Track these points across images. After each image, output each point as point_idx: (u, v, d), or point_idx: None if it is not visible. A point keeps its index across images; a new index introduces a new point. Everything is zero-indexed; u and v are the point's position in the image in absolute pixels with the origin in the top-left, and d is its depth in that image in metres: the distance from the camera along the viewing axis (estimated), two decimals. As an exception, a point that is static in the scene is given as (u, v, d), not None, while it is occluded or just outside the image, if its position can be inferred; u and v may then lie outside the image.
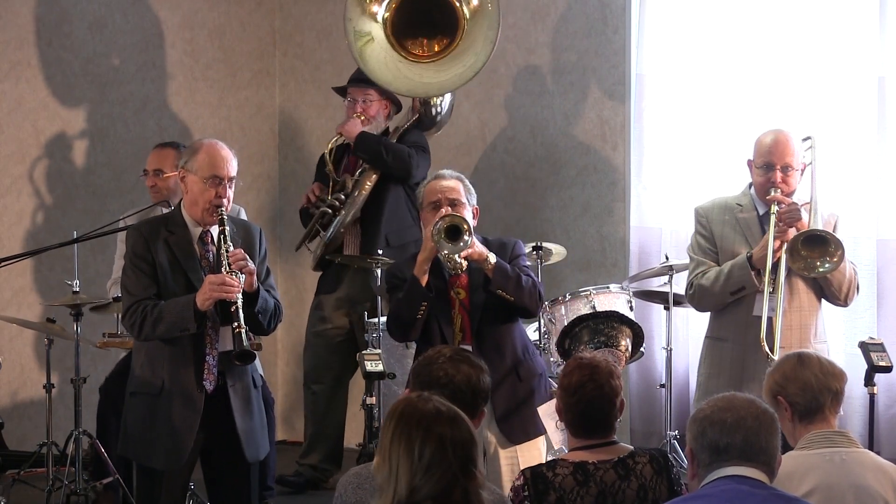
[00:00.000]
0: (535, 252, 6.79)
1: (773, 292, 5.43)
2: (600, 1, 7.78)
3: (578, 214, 7.87)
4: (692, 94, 7.49)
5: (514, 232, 7.54)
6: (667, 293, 6.72)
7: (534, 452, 5.08)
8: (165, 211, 6.10)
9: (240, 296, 4.78)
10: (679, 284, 6.80)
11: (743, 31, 7.38)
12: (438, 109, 7.34)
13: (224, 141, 5.07)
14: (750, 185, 5.66)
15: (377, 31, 7.07)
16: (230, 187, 4.92)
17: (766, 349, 5.33)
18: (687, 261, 6.36)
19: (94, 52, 7.87)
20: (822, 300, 5.61)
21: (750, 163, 5.63)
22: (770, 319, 5.41)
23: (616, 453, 3.90)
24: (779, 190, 5.50)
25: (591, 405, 3.90)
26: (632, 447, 3.95)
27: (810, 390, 3.88)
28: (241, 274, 4.80)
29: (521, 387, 5.15)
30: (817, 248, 5.39)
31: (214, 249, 4.91)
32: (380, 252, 6.71)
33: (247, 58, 8.57)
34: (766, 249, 5.41)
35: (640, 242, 7.63)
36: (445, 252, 5.06)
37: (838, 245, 5.36)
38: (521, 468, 4.16)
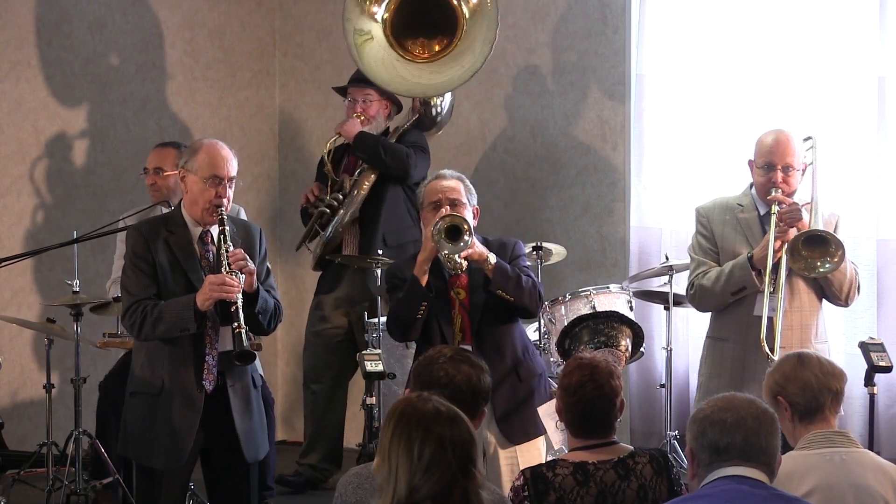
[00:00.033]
0: (535, 252, 6.79)
1: (774, 292, 5.43)
2: (600, 1, 7.78)
3: (578, 214, 7.87)
4: (692, 94, 7.49)
5: (514, 232, 7.54)
6: (667, 293, 6.72)
7: (533, 452, 5.08)
8: (165, 211, 6.10)
9: (240, 296, 4.78)
10: (679, 284, 6.80)
11: (743, 31, 7.38)
12: (438, 110, 7.34)
13: (224, 141, 5.07)
14: (751, 185, 5.66)
15: (376, 30, 7.08)
16: (230, 187, 4.92)
17: (766, 349, 5.33)
18: (687, 261, 6.37)
19: (94, 52, 7.87)
20: (823, 300, 5.61)
21: (751, 163, 5.63)
22: (770, 320, 5.41)
23: (616, 453, 3.89)
24: (780, 190, 5.50)
25: (591, 405, 3.90)
26: (632, 447, 3.95)
27: (810, 390, 3.88)
28: (241, 274, 4.80)
29: (521, 387, 5.15)
30: (818, 248, 5.39)
31: (214, 249, 4.91)
32: (380, 252, 6.71)
33: (247, 58, 8.57)
34: (766, 250, 5.42)
35: (640, 242, 7.63)
36: (445, 252, 5.06)
37: (839, 245, 5.36)
38: (521, 468, 4.16)
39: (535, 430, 5.10)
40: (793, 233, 5.44)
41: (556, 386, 4.11)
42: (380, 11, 7.10)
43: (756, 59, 7.35)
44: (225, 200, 4.89)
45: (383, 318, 6.19)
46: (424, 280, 5.10)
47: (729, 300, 5.55)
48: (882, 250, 7.10)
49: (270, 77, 8.69)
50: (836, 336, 6.42)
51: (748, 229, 5.59)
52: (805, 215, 5.45)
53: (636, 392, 7.59)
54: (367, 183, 7.02)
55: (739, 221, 5.61)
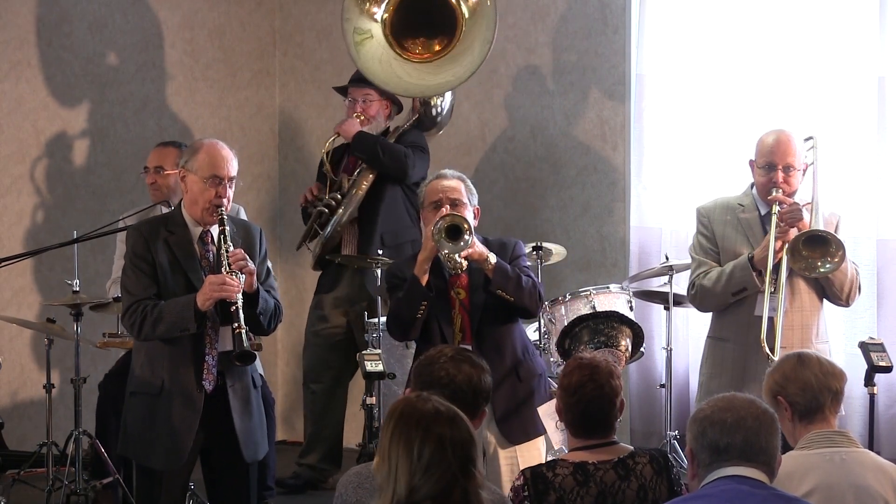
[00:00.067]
0: (535, 252, 6.79)
1: (775, 292, 5.43)
2: (600, 1, 7.78)
3: (578, 214, 7.87)
4: (692, 94, 7.49)
5: (514, 232, 7.54)
6: (667, 293, 6.72)
7: (533, 452, 5.08)
8: (165, 210, 6.10)
9: (240, 296, 4.78)
10: (679, 284, 6.80)
11: (743, 31, 7.38)
12: (439, 110, 7.34)
13: (224, 141, 5.07)
14: (752, 185, 5.66)
15: (376, 30, 7.08)
16: (230, 187, 4.92)
17: (767, 350, 5.33)
18: (687, 261, 6.38)
19: (94, 52, 7.87)
20: (824, 300, 5.61)
21: (752, 163, 5.63)
22: (771, 320, 5.41)
23: (616, 453, 3.89)
24: (780, 190, 5.50)
25: (591, 405, 3.89)
26: (632, 447, 3.94)
27: (810, 390, 3.88)
28: (242, 274, 4.80)
29: (521, 387, 5.15)
30: (818, 248, 5.39)
31: (214, 249, 4.91)
32: (380, 252, 6.72)
33: (247, 58, 8.57)
34: (767, 251, 5.42)
35: (640, 242, 7.63)
36: (446, 251, 5.06)
37: (839, 245, 5.36)
38: (521, 468, 4.16)
39: (534, 430, 5.10)
40: (793, 233, 5.44)
41: (556, 386, 4.11)
42: (379, 12, 7.10)
43: (756, 59, 7.35)
44: (225, 200, 4.89)
45: (383, 319, 6.19)
46: (425, 279, 5.10)
47: (730, 301, 5.55)
48: (882, 250, 7.11)
49: (270, 77, 8.69)
50: (836, 336, 6.42)
51: (749, 229, 5.59)
52: (806, 215, 5.46)
53: (636, 392, 7.59)
54: (365, 183, 7.03)
55: (740, 221, 5.61)
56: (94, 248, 7.39)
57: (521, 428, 5.10)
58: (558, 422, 4.07)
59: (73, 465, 6.25)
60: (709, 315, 5.80)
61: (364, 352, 5.88)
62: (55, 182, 7.73)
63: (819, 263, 5.39)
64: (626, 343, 6.30)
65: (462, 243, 5.04)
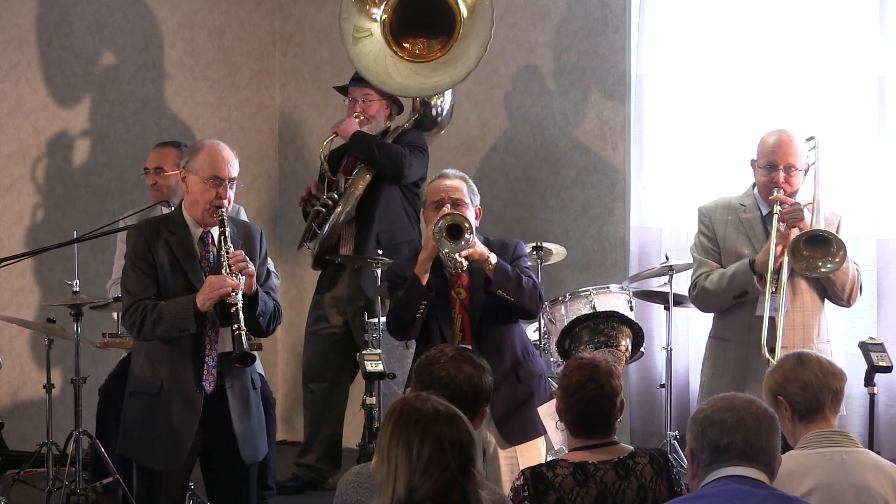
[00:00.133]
0: (535, 252, 6.79)
1: (776, 292, 5.43)
2: (600, 1, 7.78)
3: (578, 214, 7.87)
4: (692, 94, 7.50)
5: (514, 232, 7.54)
6: (667, 293, 6.72)
7: (533, 453, 5.08)
8: (165, 211, 6.10)
9: (240, 297, 4.78)
10: (679, 284, 6.81)
11: (743, 31, 7.38)
12: (438, 110, 7.34)
13: (224, 141, 5.07)
14: (753, 185, 5.66)
15: (375, 29, 7.09)
16: (231, 188, 4.92)
17: (767, 355, 5.30)
18: (687, 261, 6.38)
19: (94, 52, 7.87)
20: (825, 300, 5.61)
21: (753, 162, 5.63)
22: (772, 320, 5.40)
23: (616, 453, 3.89)
24: (782, 190, 5.50)
25: (591, 405, 3.89)
26: (632, 447, 3.94)
27: (810, 390, 3.88)
28: (241, 275, 4.80)
29: (521, 388, 5.14)
30: (819, 248, 5.39)
31: (215, 250, 4.91)
32: (380, 252, 6.72)
33: (247, 58, 8.57)
34: (768, 255, 5.41)
35: (640, 242, 7.64)
36: (446, 251, 5.06)
37: (840, 245, 5.36)
38: (521, 468, 4.16)
39: (534, 431, 5.09)
40: (794, 232, 5.44)
41: (556, 386, 4.11)
42: (378, 12, 7.11)
43: (756, 59, 7.35)
44: (225, 201, 4.89)
45: (384, 319, 6.19)
46: (425, 279, 5.10)
47: (731, 303, 5.56)
48: (882, 250, 7.11)
49: (270, 77, 8.69)
50: (836, 336, 6.42)
51: (750, 229, 5.59)
52: (807, 215, 5.45)
53: (636, 392, 7.59)
54: (361, 183, 7.03)
55: (742, 221, 5.61)
56: (94, 248, 7.39)
57: (520, 429, 5.09)
58: (558, 422, 4.06)
59: (73, 465, 6.25)
60: (709, 315, 5.80)
61: (364, 352, 5.88)
62: (55, 182, 7.74)
63: (820, 263, 5.39)
64: (626, 343, 6.30)
65: (463, 243, 5.04)
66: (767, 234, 5.50)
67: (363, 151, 7.00)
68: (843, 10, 7.18)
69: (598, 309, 6.33)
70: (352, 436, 7.66)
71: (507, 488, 4.34)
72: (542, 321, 6.50)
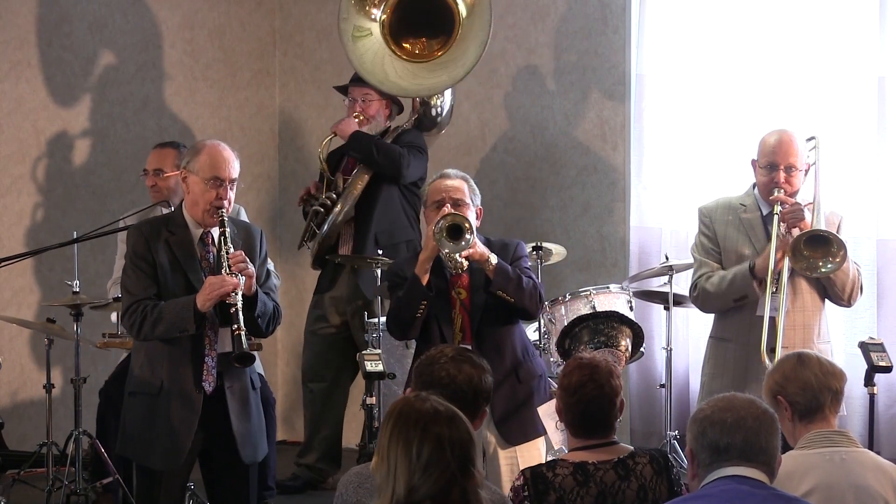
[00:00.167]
0: (535, 252, 6.79)
1: (777, 292, 5.43)
2: (600, 1, 7.78)
3: (578, 214, 7.87)
4: (692, 94, 7.50)
5: (515, 232, 7.54)
6: (667, 293, 6.72)
7: (533, 453, 5.08)
8: (165, 211, 6.10)
9: (239, 298, 4.78)
10: (679, 284, 6.81)
11: (743, 31, 7.38)
12: (438, 111, 7.34)
13: (224, 141, 5.06)
14: (753, 186, 5.66)
15: (375, 29, 7.10)
16: (231, 189, 4.92)
17: (766, 361, 5.29)
18: (687, 261, 6.39)
19: (94, 52, 7.87)
20: (826, 300, 5.61)
21: (754, 162, 5.63)
22: (772, 321, 5.40)
23: (616, 453, 3.89)
24: (782, 190, 5.50)
25: (591, 405, 3.89)
26: (632, 447, 3.94)
27: (810, 390, 3.88)
28: (241, 276, 4.80)
29: (521, 388, 5.14)
30: (820, 248, 5.38)
31: (215, 251, 4.91)
32: (380, 252, 6.73)
33: (247, 58, 8.57)
34: (768, 260, 5.41)
35: (640, 242, 7.64)
36: (446, 251, 5.06)
37: (840, 245, 5.36)
38: (521, 468, 4.16)
39: (534, 431, 5.09)
40: (795, 233, 5.44)
41: (556, 386, 4.11)
42: (377, 13, 7.12)
43: (756, 59, 7.35)
44: (226, 202, 4.88)
45: (383, 319, 6.20)
46: (425, 279, 5.10)
47: (731, 305, 5.56)
48: (882, 250, 7.11)
49: (270, 77, 8.69)
50: (836, 336, 6.43)
51: (751, 229, 5.59)
52: (808, 215, 5.46)
53: (636, 392, 7.59)
54: (360, 183, 7.03)
55: (742, 221, 5.61)
56: (94, 248, 7.39)
57: (520, 429, 5.09)
58: (558, 422, 4.06)
59: (73, 465, 6.25)
60: (709, 315, 5.80)
61: (364, 352, 5.88)
62: (55, 182, 7.73)
63: (820, 263, 5.39)
64: (626, 343, 6.30)
65: (463, 243, 5.04)
66: (768, 234, 5.50)
67: (361, 151, 7.00)
68: (843, 10, 7.18)
69: (598, 309, 6.33)
70: (352, 436, 7.66)
71: (507, 488, 4.34)
72: (542, 321, 6.50)
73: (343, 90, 7.33)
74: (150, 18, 8.10)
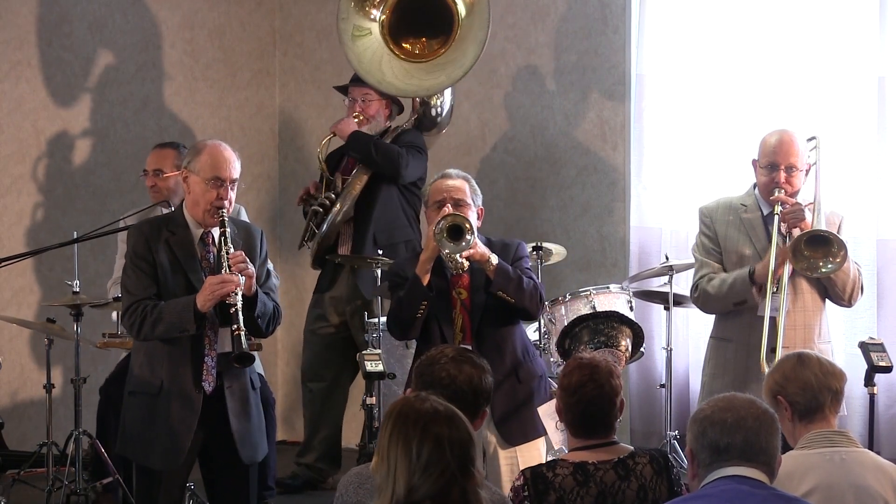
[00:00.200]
0: (535, 252, 6.79)
1: (777, 292, 5.43)
2: (600, 1, 7.79)
3: (578, 214, 7.87)
4: (692, 94, 7.50)
5: (515, 232, 7.54)
6: (667, 293, 6.72)
7: (533, 453, 5.07)
8: (165, 211, 6.10)
9: (239, 298, 4.78)
10: (679, 284, 6.81)
11: (743, 31, 7.38)
12: (438, 111, 7.34)
13: (224, 141, 5.06)
14: (754, 186, 5.66)
15: (374, 29, 7.10)
16: (232, 189, 4.92)
17: (765, 367, 5.27)
18: (687, 261, 6.39)
19: (94, 52, 7.87)
20: (826, 300, 5.61)
21: (754, 162, 5.63)
22: (773, 321, 5.40)
23: (616, 453, 3.89)
24: (783, 190, 5.50)
25: (591, 405, 3.89)
26: (632, 447, 3.94)
27: (810, 390, 3.88)
28: (241, 276, 4.80)
29: (521, 389, 5.13)
30: (820, 248, 5.38)
31: (215, 251, 4.91)
32: (380, 252, 6.73)
33: (247, 58, 8.57)
34: (768, 267, 5.41)
35: (640, 242, 7.64)
36: (447, 251, 5.06)
37: (841, 246, 5.36)
38: (521, 468, 4.16)
39: (534, 432, 5.08)
40: (796, 232, 5.44)
41: (556, 386, 4.11)
42: (377, 13, 7.12)
43: (756, 59, 7.35)
44: (226, 202, 4.88)
45: (384, 319, 6.20)
46: (426, 279, 5.09)
47: (730, 308, 5.56)
48: (882, 250, 7.11)
49: (270, 77, 8.69)
50: (836, 336, 6.43)
51: (752, 229, 5.59)
52: (808, 215, 5.46)
53: (636, 392, 7.59)
54: (359, 183, 7.03)
55: (743, 222, 5.61)
56: (94, 248, 7.39)
57: (520, 430, 5.08)
58: (558, 422, 4.06)
59: (73, 465, 6.25)
60: (709, 315, 5.80)
61: (364, 352, 5.88)
62: (55, 182, 7.74)
63: (821, 264, 5.39)
64: (626, 343, 6.30)
65: (463, 243, 5.04)
66: (769, 234, 5.50)
67: (360, 151, 7.01)
68: (843, 10, 7.18)
69: (598, 309, 6.33)
70: (352, 436, 7.66)
71: (507, 488, 4.34)
72: (542, 321, 6.50)
73: (343, 90, 7.33)
74: (150, 18, 8.10)
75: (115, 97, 7.95)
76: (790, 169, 5.52)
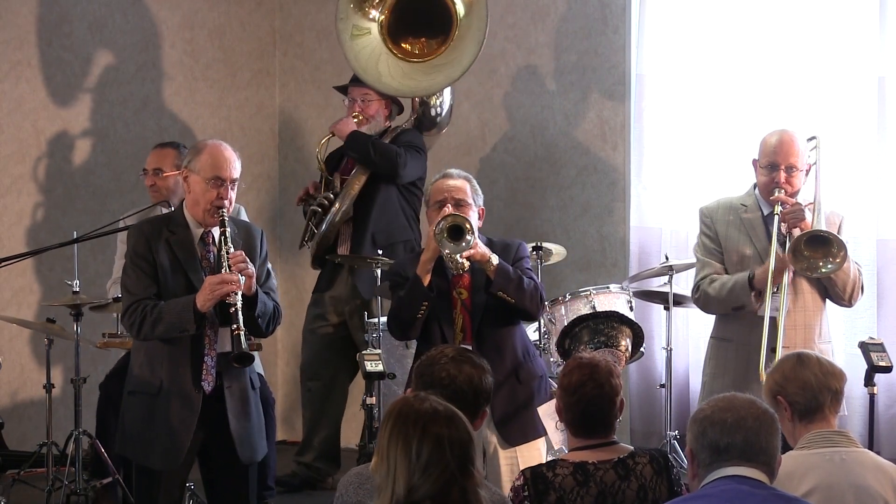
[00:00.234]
0: (535, 252, 6.79)
1: (777, 292, 5.43)
2: (600, 1, 7.79)
3: (578, 214, 7.87)
4: (692, 94, 7.50)
5: (514, 232, 7.54)
6: (667, 293, 6.72)
7: (534, 453, 5.07)
8: (165, 211, 6.10)
9: (239, 297, 4.78)
10: (679, 284, 6.81)
11: (743, 31, 7.39)
12: (438, 111, 7.34)
13: (224, 141, 5.06)
14: (754, 186, 5.66)
15: (374, 29, 7.10)
16: (232, 189, 4.92)
17: (763, 375, 5.26)
18: (687, 261, 6.39)
19: (93, 52, 7.87)
20: (827, 300, 5.61)
21: (755, 162, 5.63)
22: (773, 321, 5.40)
23: (616, 453, 3.89)
24: (783, 190, 5.50)
25: (591, 405, 3.89)
26: (632, 447, 3.94)
27: (810, 390, 3.88)
28: (241, 276, 4.80)
29: (521, 389, 5.13)
30: (820, 248, 5.38)
31: (215, 250, 4.91)
32: (380, 252, 6.73)
33: (247, 58, 8.57)
34: (767, 274, 5.41)
35: (640, 242, 7.64)
36: (447, 252, 5.06)
37: (841, 246, 5.36)
38: (521, 468, 4.16)
39: (534, 432, 5.08)
40: (796, 232, 5.44)
41: (556, 386, 4.11)
42: (376, 14, 7.12)
43: (756, 59, 7.35)
44: (227, 202, 4.88)
45: (384, 319, 6.20)
46: (427, 279, 5.09)
47: (730, 312, 5.56)
48: (882, 250, 7.11)
49: (270, 77, 8.69)
50: (836, 336, 6.44)
51: (752, 229, 5.59)
52: (808, 215, 5.46)
53: (636, 392, 7.59)
54: (357, 182, 7.03)
55: (743, 222, 5.61)
56: (94, 248, 7.39)
57: (520, 430, 5.08)
58: (558, 422, 4.06)
59: (73, 465, 6.25)
60: (709, 315, 5.80)
61: (364, 352, 5.87)
62: (55, 182, 7.74)
63: (821, 264, 5.39)
64: (626, 343, 6.30)
65: (464, 244, 5.03)
66: (769, 234, 5.50)
67: (359, 151, 7.01)
68: (843, 10, 7.18)
69: (598, 309, 6.33)
70: (351, 436, 7.66)
71: (507, 488, 4.34)
72: (542, 321, 6.50)
73: (343, 90, 7.33)
74: (149, 18, 8.10)
75: (115, 97, 7.95)
76: (790, 169, 5.52)
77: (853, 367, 6.18)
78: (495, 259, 5.09)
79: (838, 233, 5.49)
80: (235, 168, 4.94)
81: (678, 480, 3.91)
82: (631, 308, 6.49)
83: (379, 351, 5.95)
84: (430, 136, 7.35)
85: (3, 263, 6.01)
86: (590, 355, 4.03)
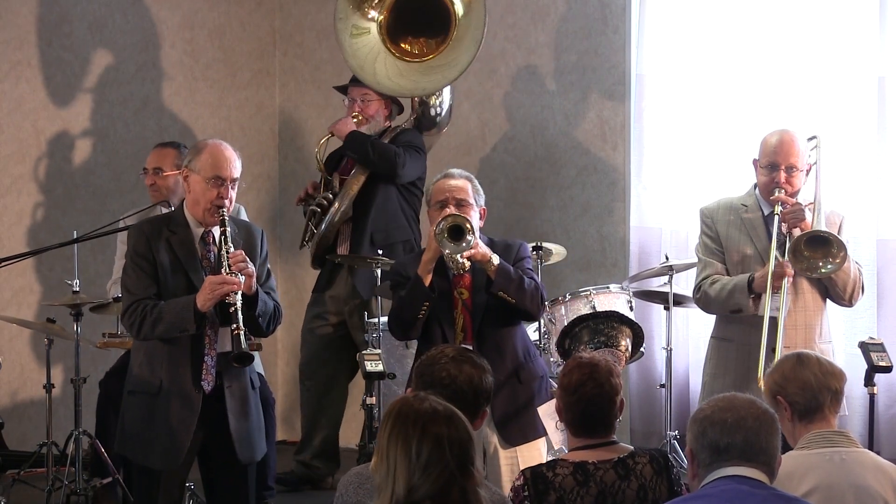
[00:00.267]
0: (535, 252, 6.78)
1: (778, 292, 5.43)
2: (600, 1, 7.79)
3: (578, 214, 7.87)
4: (692, 94, 7.50)
5: (514, 232, 7.54)
6: (667, 293, 6.72)
7: (534, 453, 5.07)
8: (165, 211, 6.10)
9: (239, 297, 4.78)
10: (679, 284, 6.81)
11: (743, 31, 7.39)
12: (437, 110, 7.34)
13: (224, 141, 5.06)
14: (755, 186, 5.66)
15: (373, 29, 7.10)
16: (233, 188, 4.92)
17: (762, 383, 5.26)
18: (687, 261, 6.40)
19: (93, 52, 7.87)
20: (827, 300, 5.61)
21: (755, 162, 5.63)
22: (773, 320, 5.39)
23: (616, 453, 3.89)
24: (783, 190, 5.50)
25: (591, 404, 3.89)
26: (632, 447, 3.94)
27: (810, 390, 3.88)
28: (241, 275, 4.80)
29: (522, 390, 5.13)
30: (820, 248, 5.38)
31: (216, 250, 4.91)
32: (380, 252, 6.73)
33: (247, 58, 8.57)
34: (765, 279, 5.40)
35: (640, 242, 7.64)
36: (448, 252, 5.05)
37: (841, 246, 5.36)
38: (521, 468, 4.15)
39: (534, 433, 5.08)
40: (796, 232, 5.44)
41: (556, 386, 4.11)
42: (375, 14, 7.13)
43: (756, 59, 7.35)
44: (227, 201, 4.88)
45: (384, 319, 6.20)
46: (428, 279, 5.09)
47: (728, 314, 5.56)
48: (882, 250, 7.11)
49: (270, 77, 8.69)
50: (836, 336, 6.44)
51: (752, 229, 5.59)
52: (808, 215, 5.46)
53: (636, 392, 7.59)
54: (356, 182, 7.03)
55: (744, 221, 5.61)
56: (94, 248, 7.39)
57: (520, 431, 5.08)
58: (558, 422, 4.06)
59: (73, 465, 6.25)
60: (709, 315, 5.81)
61: (364, 352, 5.87)
62: (55, 182, 7.74)
63: (821, 264, 5.39)
64: (626, 343, 6.30)
65: (464, 244, 5.03)
66: (769, 234, 5.50)
67: (357, 151, 7.01)
68: (843, 10, 7.18)
69: (598, 309, 6.33)
70: (351, 435, 7.66)
71: (507, 488, 4.34)
72: (543, 321, 6.50)
73: (343, 90, 7.33)
74: (149, 18, 8.10)
75: (115, 97, 7.95)
76: (790, 169, 5.52)
77: (853, 367, 6.18)
78: (496, 259, 5.09)
79: (838, 233, 5.49)
80: (236, 167, 4.94)
81: (678, 480, 3.91)
82: (631, 308, 6.48)
83: (379, 351, 5.95)
84: (430, 136, 7.35)
85: (3, 263, 6.01)
86: (590, 355, 4.03)
